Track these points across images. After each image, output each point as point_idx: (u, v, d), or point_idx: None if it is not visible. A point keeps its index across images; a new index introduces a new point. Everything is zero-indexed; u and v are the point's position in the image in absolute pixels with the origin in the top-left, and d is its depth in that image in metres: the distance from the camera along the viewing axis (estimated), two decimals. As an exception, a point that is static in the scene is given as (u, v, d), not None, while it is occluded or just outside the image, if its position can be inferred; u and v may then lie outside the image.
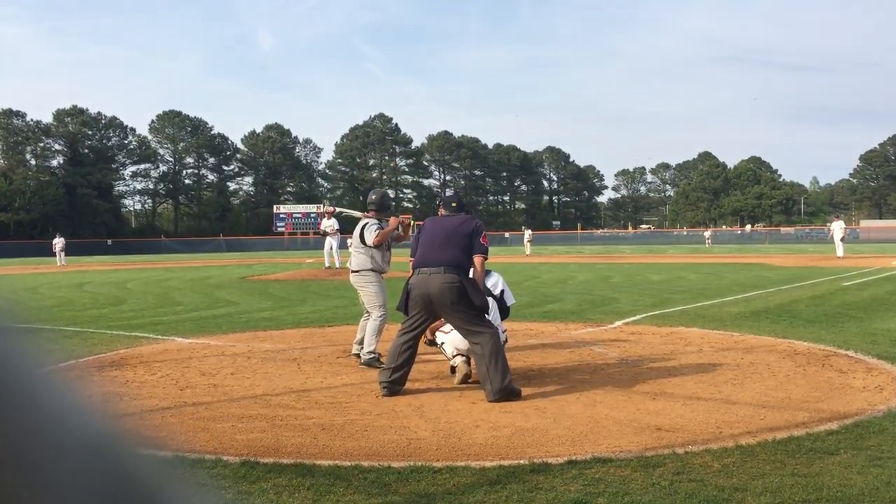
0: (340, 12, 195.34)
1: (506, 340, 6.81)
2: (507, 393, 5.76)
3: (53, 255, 41.40)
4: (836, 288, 15.83)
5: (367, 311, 7.70)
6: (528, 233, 48.99)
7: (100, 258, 55.80)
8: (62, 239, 42.38)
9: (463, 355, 6.51)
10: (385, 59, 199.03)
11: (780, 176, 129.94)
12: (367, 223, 7.70)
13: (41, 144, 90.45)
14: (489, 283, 6.79)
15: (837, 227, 31.86)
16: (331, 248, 24.41)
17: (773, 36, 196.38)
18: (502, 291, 6.83)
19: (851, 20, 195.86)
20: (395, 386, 6.04)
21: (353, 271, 7.72)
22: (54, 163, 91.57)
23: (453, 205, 6.52)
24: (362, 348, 7.57)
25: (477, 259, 6.18)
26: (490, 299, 6.54)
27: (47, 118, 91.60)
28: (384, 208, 7.91)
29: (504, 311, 6.82)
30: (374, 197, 7.98)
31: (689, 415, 5.26)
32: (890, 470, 3.98)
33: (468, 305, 5.91)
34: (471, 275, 6.13)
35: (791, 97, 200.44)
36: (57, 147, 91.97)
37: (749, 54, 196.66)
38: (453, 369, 6.59)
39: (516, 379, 6.29)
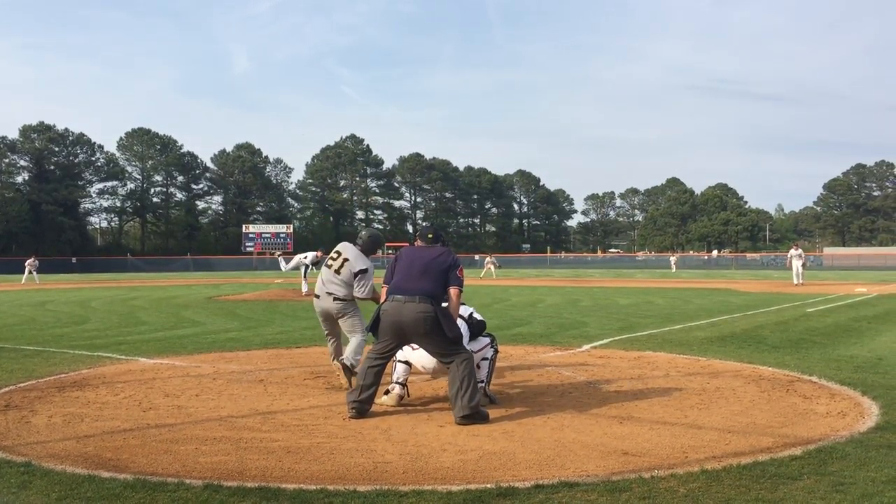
0: (315, 34, 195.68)
1: (496, 350, 6.82)
2: (475, 416, 5.76)
3: (27, 273, 40.84)
4: (801, 314, 16.05)
5: (330, 335, 7.88)
6: (489, 259, 49.30)
7: (64, 276, 54.95)
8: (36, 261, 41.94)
9: (401, 384, 6.58)
10: (358, 82, 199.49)
11: (746, 203, 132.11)
12: (367, 269, 7.59)
13: (6, 160, 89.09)
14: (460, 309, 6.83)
15: (796, 256, 31.12)
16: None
17: (741, 66, 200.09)
18: (471, 313, 6.84)
19: (817, 53, 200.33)
20: (363, 406, 6.04)
21: (337, 298, 7.62)
22: (19, 179, 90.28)
23: (430, 236, 6.53)
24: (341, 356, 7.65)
25: (453, 290, 6.23)
26: (459, 320, 6.59)
27: (13, 134, 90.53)
28: (371, 252, 7.80)
29: (475, 328, 6.81)
30: (365, 235, 7.83)
31: (655, 439, 5.28)
32: (852, 496, 4.02)
33: (441, 335, 5.97)
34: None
35: (758, 126, 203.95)
36: (22, 163, 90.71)
37: (718, 83, 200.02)
38: (388, 392, 6.57)
39: (483, 403, 6.30)
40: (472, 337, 6.72)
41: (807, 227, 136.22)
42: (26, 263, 41.81)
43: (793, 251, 31.76)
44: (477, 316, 6.86)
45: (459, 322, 6.47)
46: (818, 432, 5.47)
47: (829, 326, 13.35)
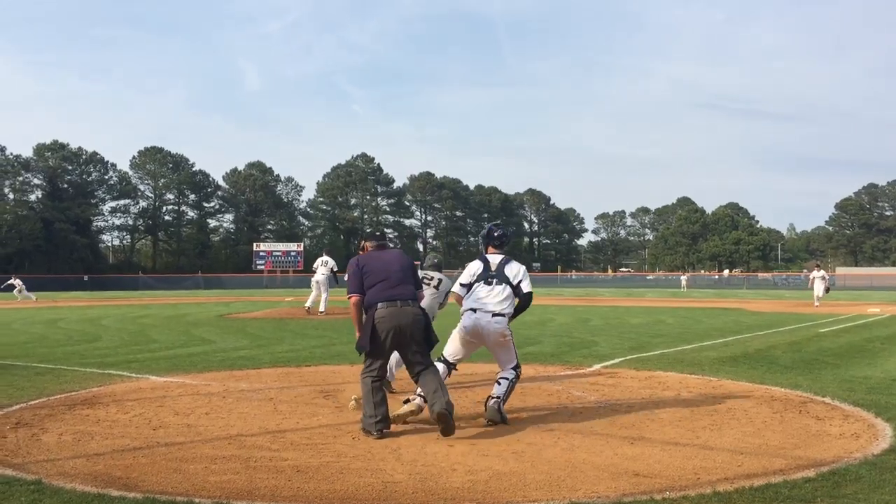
0: (325, 53, 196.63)
1: (518, 375, 6.87)
2: (451, 415, 5.94)
3: (16, 291, 40.22)
4: (813, 334, 15.94)
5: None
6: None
7: (76, 294, 55.17)
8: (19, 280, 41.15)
9: (423, 396, 6.54)
10: (369, 100, 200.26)
11: (757, 222, 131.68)
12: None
13: (20, 178, 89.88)
14: (510, 273, 6.90)
15: (819, 277, 30.21)
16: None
17: (751, 84, 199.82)
18: (520, 281, 6.94)
19: (827, 71, 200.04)
20: (387, 421, 6.13)
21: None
22: (33, 197, 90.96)
23: (378, 234, 6.83)
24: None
25: (421, 294, 6.61)
26: (506, 288, 6.83)
27: (27, 152, 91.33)
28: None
29: (524, 300, 6.95)
30: (436, 261, 8.86)
31: (666, 460, 5.24)
32: (866, 518, 3.97)
33: (427, 337, 6.32)
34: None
35: (769, 145, 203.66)
36: (36, 181, 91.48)
37: (728, 102, 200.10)
38: (408, 401, 6.59)
39: (496, 419, 6.30)
40: (519, 310, 6.90)
41: (819, 247, 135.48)
42: (13, 282, 40.85)
43: (815, 272, 30.82)
44: (526, 285, 6.94)
45: (505, 288, 6.80)
46: (831, 454, 5.41)
47: (843, 347, 13.25)
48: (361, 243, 6.88)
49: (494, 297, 6.78)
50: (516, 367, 6.87)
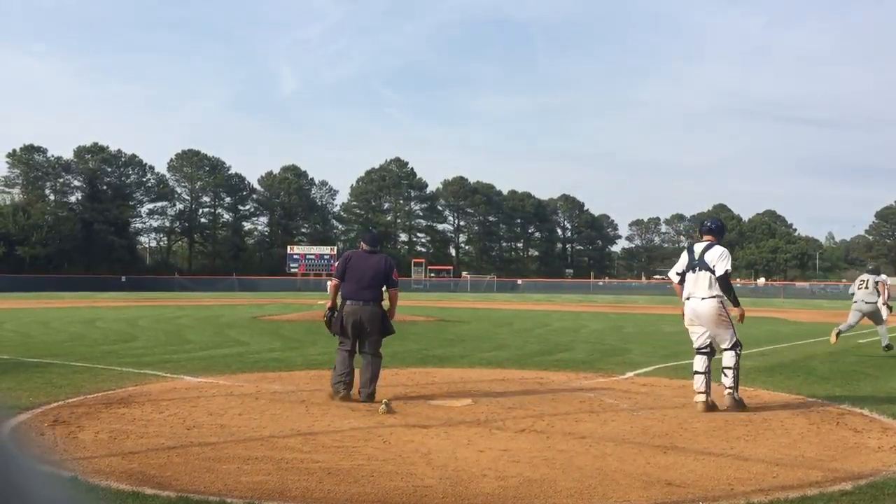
0: (362, 57, 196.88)
1: (738, 356, 7.68)
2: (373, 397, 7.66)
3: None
4: (852, 345, 15.66)
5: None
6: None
7: (113, 294, 56.01)
8: None
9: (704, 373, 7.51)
10: (404, 104, 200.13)
11: (795, 230, 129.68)
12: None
13: (61, 180, 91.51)
14: (709, 258, 7.68)
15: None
16: None
17: (790, 90, 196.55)
18: (715, 265, 7.64)
19: (869, 77, 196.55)
20: (350, 387, 7.86)
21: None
22: (73, 198, 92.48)
23: (373, 240, 8.35)
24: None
25: (394, 292, 8.21)
26: (707, 273, 7.64)
27: (68, 154, 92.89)
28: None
29: (723, 282, 7.62)
30: (871, 266, 11.44)
31: (700, 470, 5.18)
32: (906, 534, 3.89)
33: (383, 331, 7.98)
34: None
35: (808, 152, 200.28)
36: (76, 183, 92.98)
37: (766, 108, 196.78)
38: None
39: (524, 429, 6.25)
40: (723, 291, 7.61)
41: (858, 256, 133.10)
42: None
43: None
44: (720, 266, 7.60)
45: (707, 273, 7.64)
46: (869, 467, 5.31)
47: (882, 358, 13.01)
48: (360, 240, 8.45)
49: (701, 283, 7.62)
50: (734, 346, 7.57)
